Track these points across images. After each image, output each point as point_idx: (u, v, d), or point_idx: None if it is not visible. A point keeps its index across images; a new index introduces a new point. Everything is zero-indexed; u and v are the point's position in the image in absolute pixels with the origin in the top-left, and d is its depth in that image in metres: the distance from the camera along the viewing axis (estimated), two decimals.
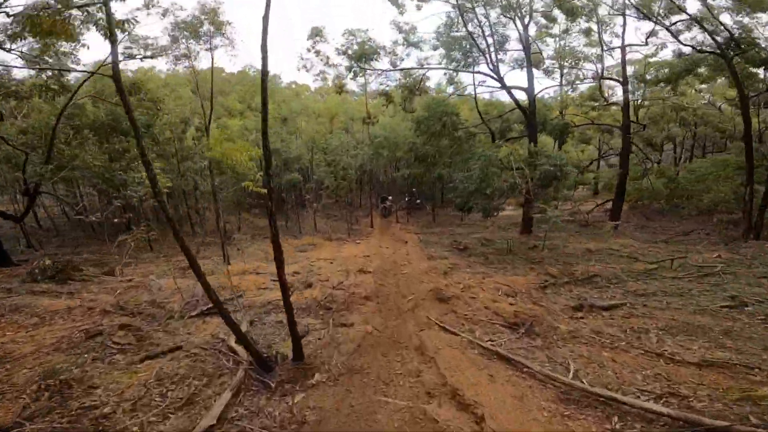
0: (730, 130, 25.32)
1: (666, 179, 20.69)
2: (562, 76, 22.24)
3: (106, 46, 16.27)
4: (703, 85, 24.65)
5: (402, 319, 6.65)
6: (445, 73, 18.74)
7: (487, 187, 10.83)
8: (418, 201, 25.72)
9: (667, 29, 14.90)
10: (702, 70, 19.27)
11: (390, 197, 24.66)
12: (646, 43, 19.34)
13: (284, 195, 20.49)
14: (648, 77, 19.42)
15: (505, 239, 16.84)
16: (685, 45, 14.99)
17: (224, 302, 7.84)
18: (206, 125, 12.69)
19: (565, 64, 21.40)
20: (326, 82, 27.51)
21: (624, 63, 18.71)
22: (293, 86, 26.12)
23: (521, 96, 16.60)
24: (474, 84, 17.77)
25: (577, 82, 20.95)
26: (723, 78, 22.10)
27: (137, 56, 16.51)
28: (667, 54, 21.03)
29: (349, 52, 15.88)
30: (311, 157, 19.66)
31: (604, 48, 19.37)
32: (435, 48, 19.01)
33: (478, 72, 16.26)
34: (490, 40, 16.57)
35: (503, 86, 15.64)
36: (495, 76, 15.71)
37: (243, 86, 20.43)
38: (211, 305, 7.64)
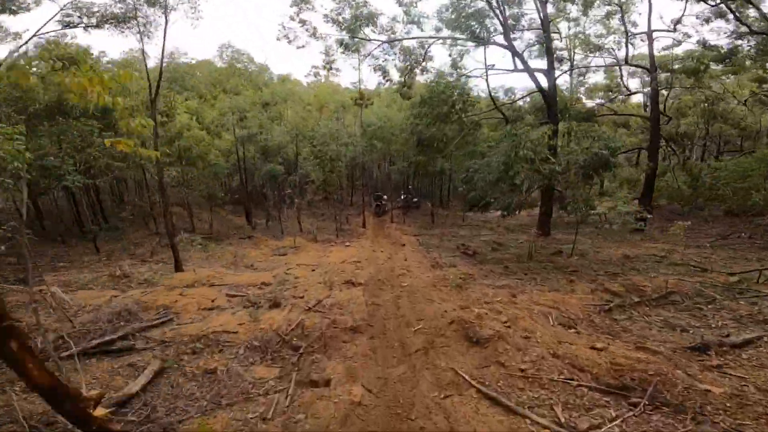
0: (752, 127, 23.52)
1: (690, 177, 18.61)
2: (572, 65, 20.11)
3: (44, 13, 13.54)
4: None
5: (409, 366, 4.09)
6: (449, 54, 16.35)
7: (515, 176, 8.31)
8: (416, 200, 23.25)
9: (725, 3, 12.84)
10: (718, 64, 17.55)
11: (385, 195, 22.13)
12: (675, 30, 17.44)
13: (265, 190, 17.70)
14: (675, 66, 17.44)
15: (519, 242, 14.47)
16: (744, 24, 13.00)
17: (133, 333, 5.19)
18: (151, 99, 10.00)
19: (579, 51, 19.29)
20: (318, 77, 24.97)
21: (651, 50, 16.70)
22: (283, 77, 23.37)
23: (536, 82, 14.16)
24: (485, 64, 15.32)
25: (594, 69, 18.79)
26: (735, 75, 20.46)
27: (79, 24, 13.77)
28: (688, 45, 19.20)
29: (341, 19, 13.35)
30: (296, 147, 16.92)
31: (629, 34, 17.36)
32: (438, 30, 16.61)
33: (495, 43, 13.78)
34: (506, 14, 14.20)
35: (522, 64, 13.16)
36: (512, 49, 13.21)
37: (216, 70, 17.63)
38: (108, 338, 4.96)
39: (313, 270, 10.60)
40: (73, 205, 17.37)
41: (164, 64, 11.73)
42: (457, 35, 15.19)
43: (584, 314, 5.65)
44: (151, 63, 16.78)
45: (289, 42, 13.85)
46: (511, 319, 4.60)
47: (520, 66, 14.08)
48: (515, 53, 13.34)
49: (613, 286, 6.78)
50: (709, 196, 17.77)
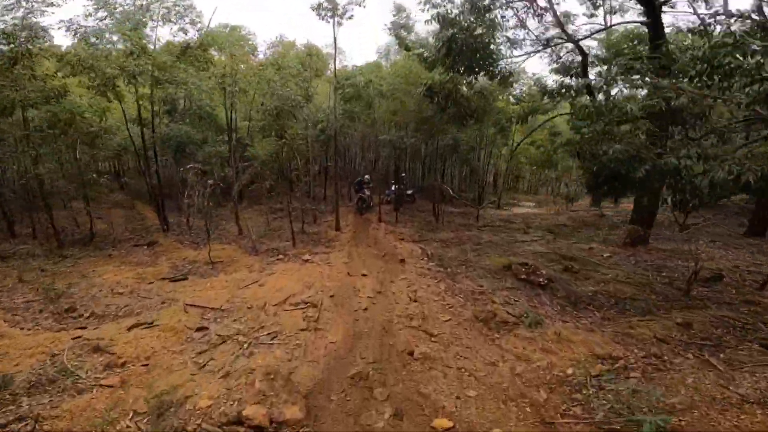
0: None
1: None
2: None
3: None
4: None
5: None
6: None
7: None
8: (410, 191, 17.10)
9: None
10: None
11: (370, 183, 15.88)
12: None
13: (182, 172, 10.96)
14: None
15: (605, 256, 8.54)
16: None
17: None
18: None
19: None
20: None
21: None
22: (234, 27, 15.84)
23: None
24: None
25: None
26: None
27: None
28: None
29: None
30: (226, 102, 10.29)
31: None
32: None
33: None
34: None
35: None
36: None
37: None
38: None
39: (200, 330, 4.42)
40: None
41: None
42: None
43: None
44: None
45: None
46: None
47: None
48: None
49: None
50: None
